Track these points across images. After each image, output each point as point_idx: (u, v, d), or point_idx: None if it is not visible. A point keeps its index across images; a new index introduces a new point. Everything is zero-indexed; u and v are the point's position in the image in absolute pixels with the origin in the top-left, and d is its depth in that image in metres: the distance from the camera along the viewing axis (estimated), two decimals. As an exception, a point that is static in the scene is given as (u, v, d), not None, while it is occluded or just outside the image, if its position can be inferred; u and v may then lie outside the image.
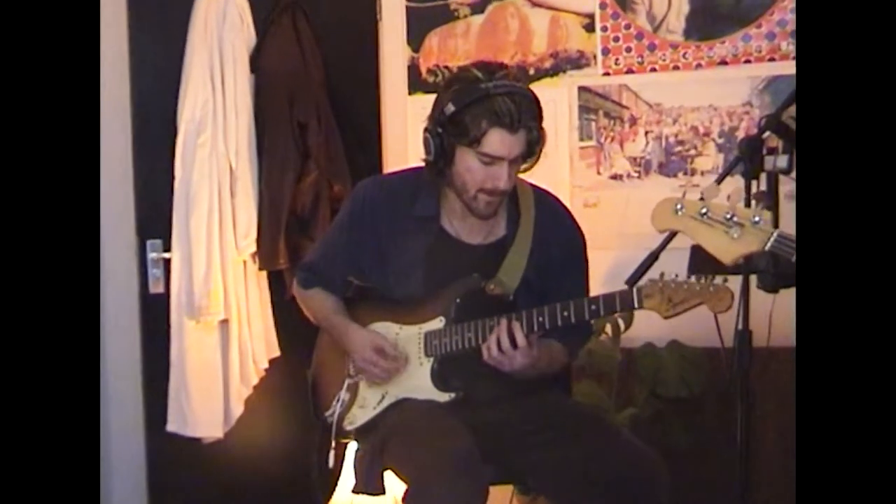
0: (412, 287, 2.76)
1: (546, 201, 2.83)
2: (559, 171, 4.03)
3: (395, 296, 2.80)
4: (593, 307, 2.50)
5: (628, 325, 3.71)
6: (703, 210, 2.21)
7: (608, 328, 3.75)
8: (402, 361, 2.73)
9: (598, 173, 4.01)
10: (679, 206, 2.24)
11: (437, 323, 2.73)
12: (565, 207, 2.89)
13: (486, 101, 2.51)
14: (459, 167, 2.61)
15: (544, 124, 2.63)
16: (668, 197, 2.29)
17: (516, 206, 2.76)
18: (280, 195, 4.02)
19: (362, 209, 2.82)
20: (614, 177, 4.00)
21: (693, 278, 2.39)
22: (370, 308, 2.85)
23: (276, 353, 4.13)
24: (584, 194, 4.02)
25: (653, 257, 2.46)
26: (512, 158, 2.55)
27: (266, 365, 4.10)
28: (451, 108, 2.56)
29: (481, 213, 2.67)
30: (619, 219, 3.94)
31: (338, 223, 2.93)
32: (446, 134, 2.58)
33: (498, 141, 2.53)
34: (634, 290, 2.44)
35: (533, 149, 2.59)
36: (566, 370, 2.95)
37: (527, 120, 2.52)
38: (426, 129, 2.63)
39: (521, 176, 2.74)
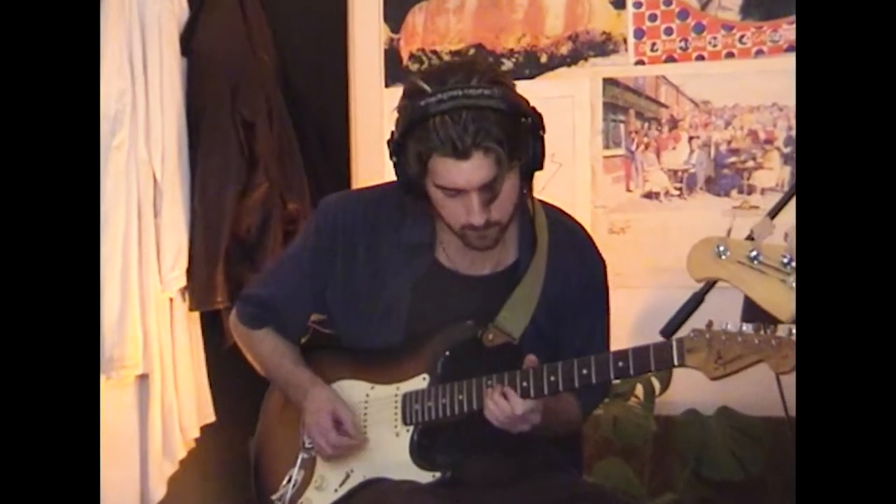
0: (391, 334, 2.74)
1: (560, 222, 2.80)
2: (578, 187, 4.05)
3: (366, 346, 2.78)
4: (620, 364, 2.47)
5: (665, 386, 3.70)
6: (753, 253, 2.21)
7: (639, 390, 3.76)
8: (356, 443, 2.73)
9: (628, 190, 4.03)
10: (722, 249, 2.24)
11: (420, 382, 2.70)
12: (583, 229, 2.88)
13: (423, 124, 2.53)
14: (433, 200, 2.64)
15: (561, 126, 2.63)
16: (707, 237, 2.28)
17: (532, 226, 2.77)
18: (218, 214, 4.03)
19: (332, 231, 2.80)
20: (648, 195, 4.01)
21: (750, 328, 2.38)
22: (332, 361, 2.83)
23: (211, 418, 4.12)
24: (610, 217, 4.03)
25: (697, 300, 2.44)
26: (479, 187, 2.57)
27: (197, 433, 4.08)
28: (395, 133, 2.61)
29: (476, 247, 2.67)
30: (655, 249, 3.95)
31: (298, 247, 2.89)
32: (400, 163, 2.61)
33: (446, 171, 2.53)
34: (674, 342, 2.39)
35: (517, 163, 2.60)
36: (577, 442, 2.95)
37: (482, 139, 2.49)
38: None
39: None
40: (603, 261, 2.83)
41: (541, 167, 2.63)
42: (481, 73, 2.56)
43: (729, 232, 2.26)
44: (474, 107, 2.50)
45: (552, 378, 2.53)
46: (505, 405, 2.53)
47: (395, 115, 2.62)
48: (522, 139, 2.56)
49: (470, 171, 2.52)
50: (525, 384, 2.55)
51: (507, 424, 2.55)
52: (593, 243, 2.85)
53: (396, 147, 2.60)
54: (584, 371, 2.51)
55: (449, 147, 2.49)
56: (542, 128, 2.61)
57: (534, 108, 2.60)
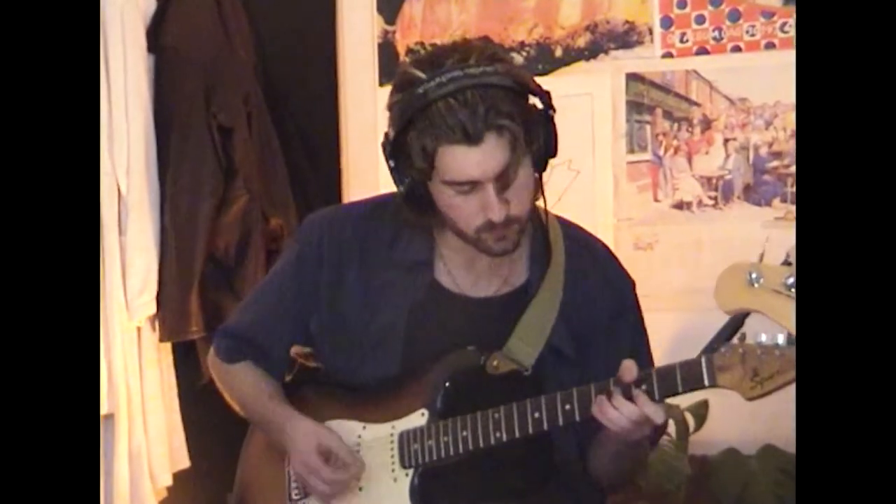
0: (385, 366, 2.75)
1: (577, 238, 2.81)
2: (598, 197, 4.04)
3: (357, 380, 2.78)
4: (644, 387, 2.47)
5: (701, 422, 3.69)
6: (791, 279, 2.22)
7: (671, 426, 3.69)
8: (354, 470, 2.71)
9: (656, 200, 4.02)
10: (755, 276, 2.25)
11: (418, 418, 2.69)
12: (605, 247, 2.88)
13: (424, 113, 2.52)
14: (440, 204, 2.63)
15: (577, 122, 2.62)
16: (737, 263, 2.28)
17: (545, 239, 2.76)
18: (192, 231, 4.03)
19: (315, 253, 2.80)
20: (679, 205, 4.00)
21: (788, 340, 2.37)
22: (319, 399, 2.83)
23: (185, 463, 4.12)
24: (636, 231, 4.02)
25: (735, 325, 2.43)
26: (495, 176, 2.58)
27: (169, 481, 4.07)
28: (391, 132, 2.61)
29: (495, 251, 2.65)
30: (686, 267, 3.94)
31: (278, 272, 2.89)
32: (400, 167, 2.61)
33: (456, 162, 2.52)
34: (703, 359, 2.39)
35: (528, 150, 2.58)
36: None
37: (494, 118, 2.48)
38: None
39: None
40: (631, 280, 2.84)
41: (554, 154, 2.63)
42: (479, 50, 2.56)
43: (762, 256, 2.25)
44: (479, 85, 2.49)
45: (567, 406, 2.53)
46: (631, 408, 2.48)
47: (388, 114, 2.62)
48: (534, 120, 2.57)
49: (484, 157, 2.51)
50: (537, 415, 2.55)
51: (631, 429, 2.51)
52: (618, 261, 2.87)
53: (394, 148, 2.59)
54: (567, 407, 2.53)
55: (459, 132, 2.48)
56: (553, 108, 2.60)
57: (539, 86, 2.59)
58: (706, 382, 2.40)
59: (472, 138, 2.49)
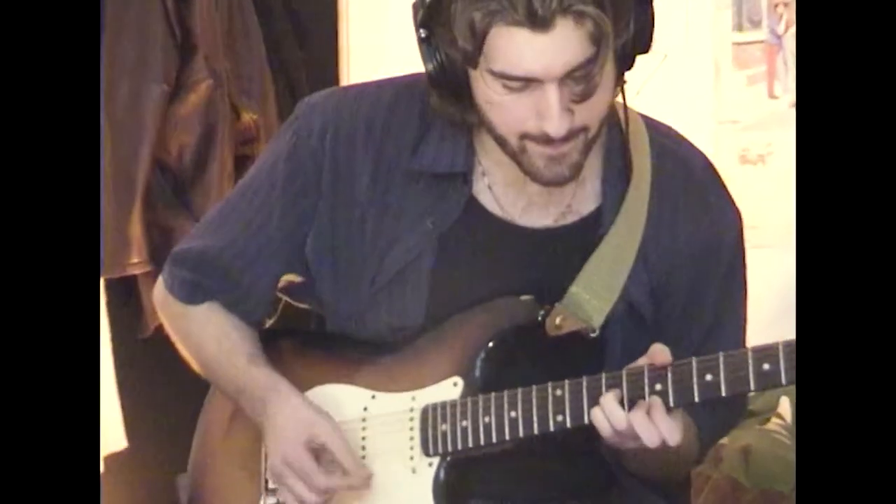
0: (404, 314, 2.75)
1: (668, 148, 2.80)
2: (692, 91, 4.03)
3: (364, 332, 2.78)
4: (766, 367, 2.45)
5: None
6: None
7: (784, 406, 3.78)
8: (355, 479, 2.71)
9: (772, 97, 4.02)
10: None
11: (449, 389, 2.69)
12: (703, 157, 2.87)
13: None
14: (478, 99, 2.61)
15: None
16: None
17: (624, 152, 2.73)
18: (135, 129, 4.06)
19: (316, 150, 2.80)
20: (803, 105, 3.99)
21: None
22: (311, 355, 2.85)
23: (120, 444, 4.15)
24: (743, 138, 4.05)
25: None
26: (562, 75, 2.52)
27: (101, 467, 4.06)
28: None
29: (544, 177, 2.63)
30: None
31: (261, 175, 2.87)
32: (434, 40, 2.59)
33: (512, 49, 2.49)
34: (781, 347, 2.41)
35: (614, 44, 2.55)
36: (687, 480, 2.94)
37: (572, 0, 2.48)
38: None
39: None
40: (738, 213, 2.80)
41: (646, 49, 2.61)
42: None
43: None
44: None
45: (659, 386, 2.49)
46: (652, 431, 2.49)
47: None
48: (625, 2, 2.53)
49: (551, 49, 2.47)
50: (618, 392, 2.53)
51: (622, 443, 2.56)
52: (722, 184, 2.83)
53: (428, 13, 2.55)
54: (709, 377, 2.47)
55: (522, 10, 2.43)
56: None
57: None
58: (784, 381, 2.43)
59: (538, 21, 2.45)
